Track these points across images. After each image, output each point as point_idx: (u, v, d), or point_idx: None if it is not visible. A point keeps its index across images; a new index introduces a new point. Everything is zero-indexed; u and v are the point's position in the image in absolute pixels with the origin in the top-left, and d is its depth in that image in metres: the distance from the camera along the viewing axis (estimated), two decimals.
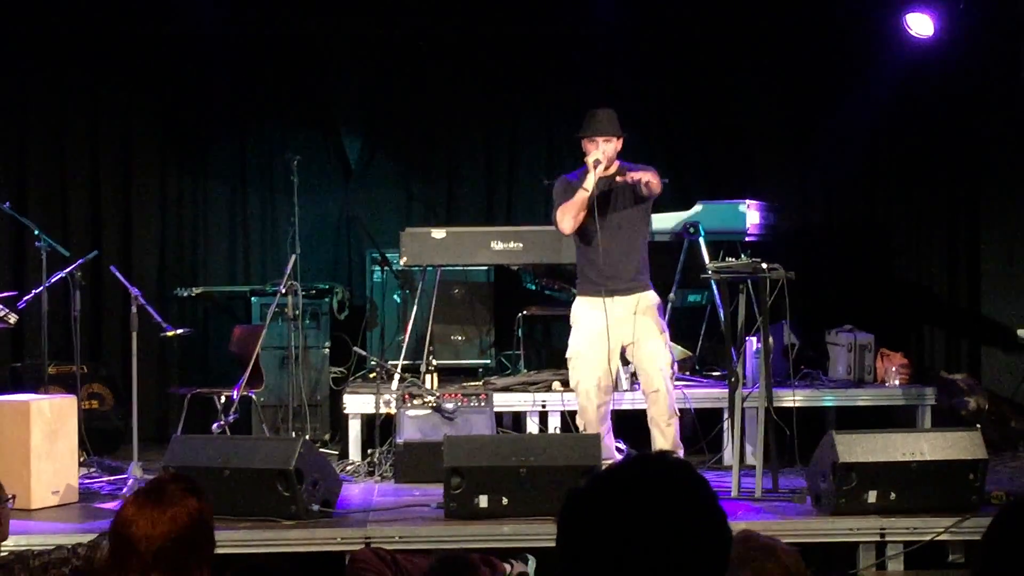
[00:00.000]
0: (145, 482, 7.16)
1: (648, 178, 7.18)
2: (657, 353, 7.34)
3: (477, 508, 6.49)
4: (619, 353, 7.45)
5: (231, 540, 5.98)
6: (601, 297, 7.28)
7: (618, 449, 7.77)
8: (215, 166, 10.13)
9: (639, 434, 8.04)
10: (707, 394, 8.44)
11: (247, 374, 8.24)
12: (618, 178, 7.28)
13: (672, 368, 7.52)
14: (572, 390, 7.57)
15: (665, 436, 7.35)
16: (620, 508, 2.05)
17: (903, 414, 8.86)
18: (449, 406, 7.90)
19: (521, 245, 8.72)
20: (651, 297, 7.44)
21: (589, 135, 7.33)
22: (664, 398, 7.30)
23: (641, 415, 7.73)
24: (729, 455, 7.79)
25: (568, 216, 7.27)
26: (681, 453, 7.47)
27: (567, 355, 7.48)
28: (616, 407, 8.16)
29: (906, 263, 10.26)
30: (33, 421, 7.01)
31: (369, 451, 8.15)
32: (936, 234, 10.21)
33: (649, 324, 7.35)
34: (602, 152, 7.26)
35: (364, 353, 8.75)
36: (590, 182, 7.21)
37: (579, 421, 7.50)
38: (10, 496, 4.25)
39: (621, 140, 7.38)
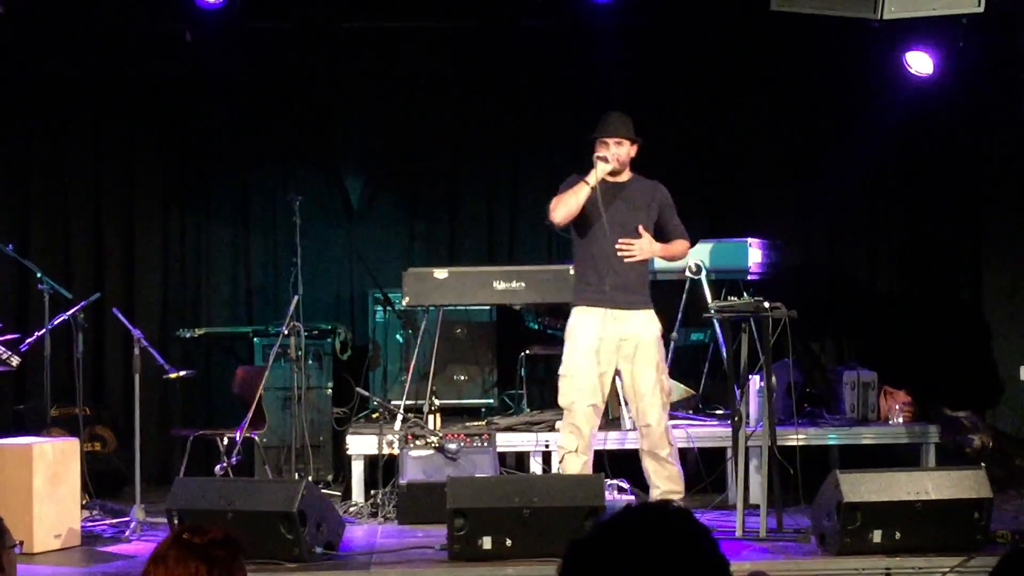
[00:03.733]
0: (149, 525, 7.24)
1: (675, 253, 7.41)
2: (652, 384, 7.23)
3: (481, 549, 6.47)
4: (614, 373, 7.33)
5: None
6: (602, 308, 7.19)
7: (620, 489, 7.73)
8: (217, 207, 10.14)
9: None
10: (710, 433, 8.42)
11: (250, 415, 8.24)
12: (623, 254, 7.23)
13: (667, 398, 7.45)
14: (577, 435, 7.30)
15: (664, 467, 7.25)
16: (622, 558, 2.04)
17: (907, 452, 8.84)
18: (452, 446, 7.88)
19: (523, 285, 8.72)
20: (652, 320, 7.34)
21: (599, 136, 7.30)
22: (656, 432, 7.23)
23: None
24: (733, 494, 7.77)
25: (562, 205, 7.19)
26: (681, 489, 7.38)
27: (560, 371, 7.35)
28: (620, 446, 8.14)
29: (909, 300, 10.24)
30: (35, 464, 7.00)
31: (372, 492, 8.13)
32: (938, 271, 10.21)
33: (648, 354, 7.26)
34: (612, 153, 7.23)
35: (366, 394, 8.74)
36: (593, 178, 7.14)
37: (567, 444, 7.28)
38: (17, 542, 4.25)
39: (635, 146, 7.34)
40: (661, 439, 7.27)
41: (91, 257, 9.90)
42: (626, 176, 7.36)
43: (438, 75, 9.97)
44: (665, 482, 7.30)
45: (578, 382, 7.22)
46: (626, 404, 8.07)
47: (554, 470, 7.77)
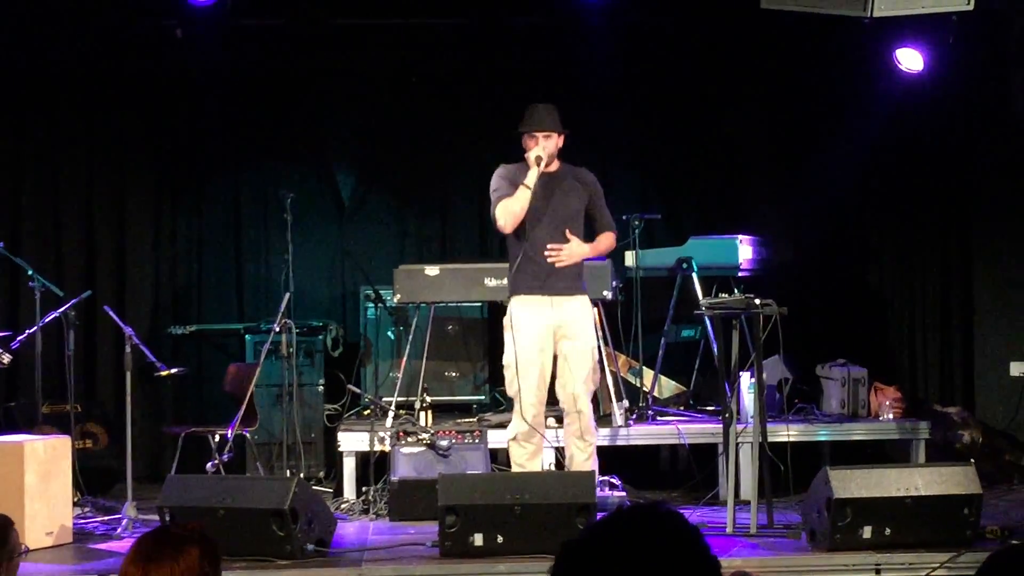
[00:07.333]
0: (141, 523, 7.24)
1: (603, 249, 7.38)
2: (585, 371, 7.19)
3: (472, 546, 6.47)
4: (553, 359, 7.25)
5: None
6: (540, 295, 7.14)
7: (612, 485, 7.73)
8: (209, 204, 10.14)
9: (637, 472, 8.07)
10: (701, 429, 8.43)
11: (241, 412, 8.22)
12: (552, 259, 7.15)
13: (595, 383, 7.43)
14: (522, 423, 7.18)
15: (584, 452, 7.21)
16: (613, 560, 2.05)
17: (897, 448, 8.87)
18: (443, 443, 7.88)
19: None
20: (587, 304, 7.31)
21: (529, 130, 7.20)
22: (585, 419, 7.18)
23: (638, 452, 7.70)
24: (724, 491, 7.79)
25: (510, 213, 7.10)
26: (595, 466, 7.29)
27: (504, 361, 7.23)
28: (612, 443, 8.16)
29: (899, 296, 10.26)
30: (27, 462, 6.99)
31: (364, 489, 8.12)
32: (928, 267, 10.22)
33: (584, 341, 7.22)
34: (543, 148, 7.15)
35: (358, 390, 8.75)
36: (531, 179, 7.08)
37: (511, 430, 7.25)
38: (24, 548, 4.25)
39: (563, 137, 7.24)
40: (590, 424, 7.23)
41: (82, 254, 9.88)
42: (555, 166, 7.27)
43: (429, 72, 9.97)
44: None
45: (523, 372, 7.10)
46: (622, 406, 8.11)
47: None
